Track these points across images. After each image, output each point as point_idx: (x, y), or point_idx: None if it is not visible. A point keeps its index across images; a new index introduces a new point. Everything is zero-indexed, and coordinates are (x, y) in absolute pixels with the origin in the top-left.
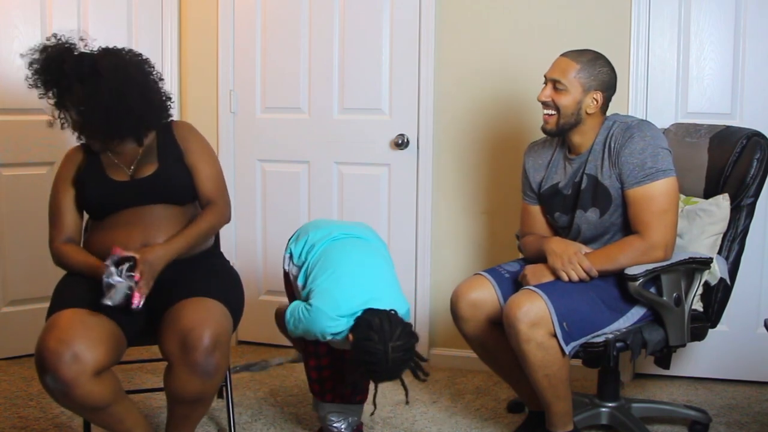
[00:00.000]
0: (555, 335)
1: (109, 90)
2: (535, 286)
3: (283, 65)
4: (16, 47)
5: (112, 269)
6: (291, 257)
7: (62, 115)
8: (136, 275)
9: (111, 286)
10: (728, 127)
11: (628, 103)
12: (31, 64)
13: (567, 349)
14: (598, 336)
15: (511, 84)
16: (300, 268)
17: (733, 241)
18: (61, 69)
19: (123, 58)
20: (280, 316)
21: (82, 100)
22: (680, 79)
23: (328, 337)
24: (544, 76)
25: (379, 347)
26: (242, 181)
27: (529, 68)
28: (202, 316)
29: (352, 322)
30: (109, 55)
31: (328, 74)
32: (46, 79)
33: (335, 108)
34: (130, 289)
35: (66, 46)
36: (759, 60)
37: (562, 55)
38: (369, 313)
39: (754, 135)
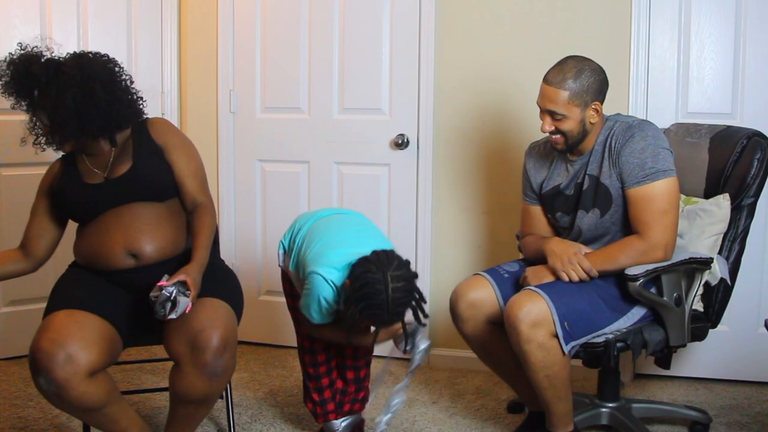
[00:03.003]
0: (556, 335)
1: (74, 86)
2: (536, 286)
3: (283, 65)
4: (16, 47)
5: (171, 288)
6: (284, 251)
7: (36, 125)
8: (192, 292)
9: (175, 302)
10: (729, 127)
11: (628, 103)
12: (0, 76)
13: (566, 349)
14: (598, 336)
15: (511, 84)
16: (291, 257)
17: (734, 241)
18: (29, 76)
19: (87, 58)
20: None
21: (51, 102)
22: (680, 79)
23: (330, 300)
24: (538, 104)
25: (377, 276)
26: (242, 181)
27: (529, 68)
28: (211, 317)
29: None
30: (74, 57)
31: (328, 74)
32: (17, 88)
33: (335, 108)
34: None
35: (32, 53)
36: (759, 60)
37: (546, 82)
38: (364, 255)
39: (755, 135)
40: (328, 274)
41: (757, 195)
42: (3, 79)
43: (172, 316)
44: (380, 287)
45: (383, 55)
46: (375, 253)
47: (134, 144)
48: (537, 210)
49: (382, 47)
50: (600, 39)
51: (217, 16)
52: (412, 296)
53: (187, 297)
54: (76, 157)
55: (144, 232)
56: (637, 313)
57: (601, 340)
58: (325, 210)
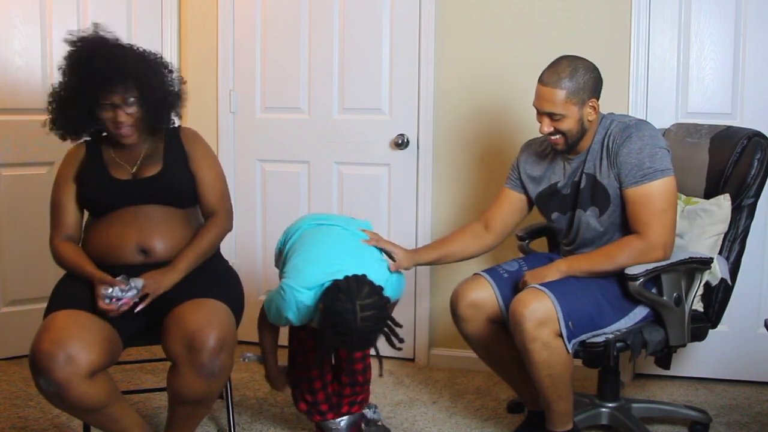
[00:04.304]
0: (560, 335)
1: (156, 75)
2: (541, 284)
3: (283, 65)
4: (15, 47)
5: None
6: (279, 253)
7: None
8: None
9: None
10: (729, 128)
11: (628, 103)
12: (86, 65)
13: (570, 347)
14: (598, 336)
15: (512, 84)
16: (281, 260)
17: (734, 241)
18: (122, 66)
19: (145, 52)
20: (262, 315)
21: (140, 88)
22: (680, 79)
23: (302, 314)
24: (535, 107)
25: (347, 306)
26: (242, 181)
27: (530, 68)
28: (208, 318)
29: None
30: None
31: (328, 74)
32: (107, 77)
33: (335, 108)
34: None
35: (112, 41)
36: (759, 60)
37: (541, 83)
38: (337, 279)
39: (755, 135)
40: (299, 295)
41: (757, 195)
42: (92, 65)
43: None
44: (349, 317)
45: (383, 55)
46: (346, 279)
47: (165, 147)
48: (509, 194)
49: (382, 47)
50: (600, 39)
51: (217, 16)
52: (383, 323)
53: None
54: (101, 146)
55: (157, 231)
56: (639, 313)
57: (601, 339)
58: (319, 216)
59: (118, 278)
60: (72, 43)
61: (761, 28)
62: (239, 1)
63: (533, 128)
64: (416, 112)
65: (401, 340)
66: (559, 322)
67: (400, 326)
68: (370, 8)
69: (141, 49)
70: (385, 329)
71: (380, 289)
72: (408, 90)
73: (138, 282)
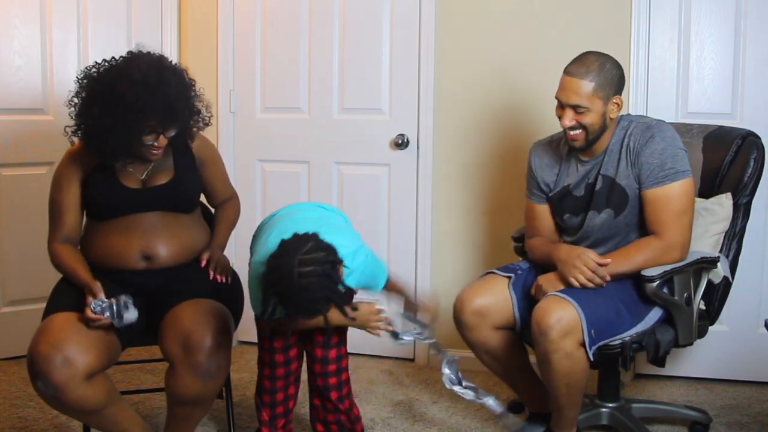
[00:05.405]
0: (582, 344)
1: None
2: (562, 292)
3: (283, 65)
4: (15, 47)
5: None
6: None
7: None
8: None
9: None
10: (721, 127)
11: (628, 103)
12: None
13: (591, 355)
14: (615, 339)
15: (512, 83)
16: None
17: (733, 239)
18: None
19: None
20: None
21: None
22: (680, 79)
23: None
24: (557, 99)
25: (285, 260)
26: (242, 181)
27: (530, 68)
28: (204, 318)
29: None
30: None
31: (328, 74)
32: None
33: (335, 108)
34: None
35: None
36: (759, 60)
37: (568, 75)
38: (284, 238)
39: (749, 135)
40: (258, 268)
41: (752, 194)
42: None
43: (114, 322)
44: (287, 270)
45: (383, 55)
46: (294, 236)
47: (174, 153)
48: (544, 209)
49: (382, 47)
50: (600, 39)
51: (217, 16)
52: (326, 280)
53: (126, 314)
54: None
55: (162, 237)
56: (653, 316)
57: (617, 342)
58: (281, 209)
59: (121, 296)
60: (122, 72)
61: (761, 28)
62: (239, 1)
63: (534, 128)
64: (416, 112)
65: (355, 308)
66: (583, 332)
67: (352, 291)
68: (370, 8)
69: (184, 73)
70: (334, 296)
71: (329, 247)
72: (408, 90)
73: (132, 315)
